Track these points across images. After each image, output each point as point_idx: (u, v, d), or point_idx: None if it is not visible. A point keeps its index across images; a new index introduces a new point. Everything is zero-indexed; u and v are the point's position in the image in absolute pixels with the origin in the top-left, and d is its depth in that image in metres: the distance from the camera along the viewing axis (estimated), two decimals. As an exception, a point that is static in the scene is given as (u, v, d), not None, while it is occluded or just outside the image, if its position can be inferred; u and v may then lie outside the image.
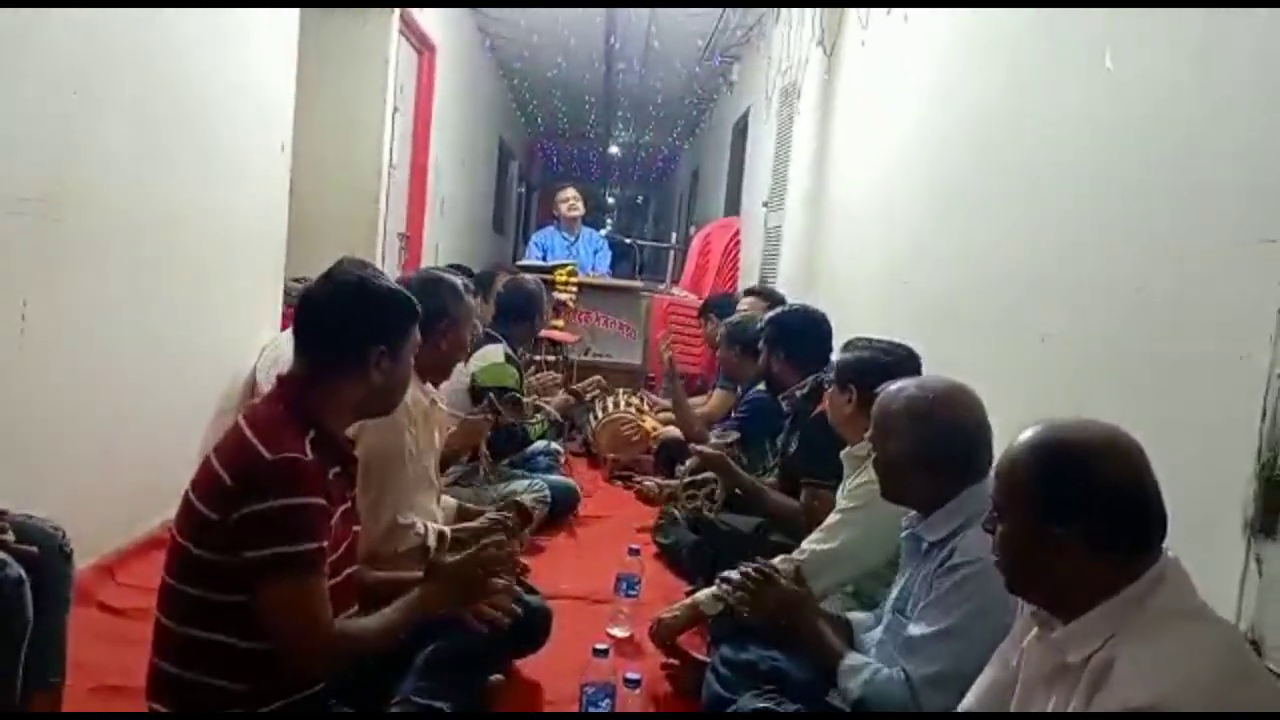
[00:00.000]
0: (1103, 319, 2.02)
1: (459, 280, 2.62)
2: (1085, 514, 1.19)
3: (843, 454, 2.35)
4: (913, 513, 1.80)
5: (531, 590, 2.32)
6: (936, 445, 1.73)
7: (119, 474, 2.77)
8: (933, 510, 1.75)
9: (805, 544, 2.27)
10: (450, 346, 2.51)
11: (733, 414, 4.02)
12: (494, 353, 3.63)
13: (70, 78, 2.39)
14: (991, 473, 1.37)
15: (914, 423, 1.76)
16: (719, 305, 4.96)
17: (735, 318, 4.21)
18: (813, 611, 1.93)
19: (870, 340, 2.46)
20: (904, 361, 2.31)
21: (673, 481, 3.73)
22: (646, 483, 3.86)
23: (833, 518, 2.29)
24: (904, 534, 1.83)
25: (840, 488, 2.36)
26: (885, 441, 1.81)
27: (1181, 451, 1.64)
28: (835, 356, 2.52)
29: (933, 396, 1.78)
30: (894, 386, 1.84)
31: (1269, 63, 1.56)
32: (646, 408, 4.78)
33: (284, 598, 1.49)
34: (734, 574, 2.02)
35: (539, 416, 3.96)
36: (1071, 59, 2.26)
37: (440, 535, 2.30)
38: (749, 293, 4.80)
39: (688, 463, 3.57)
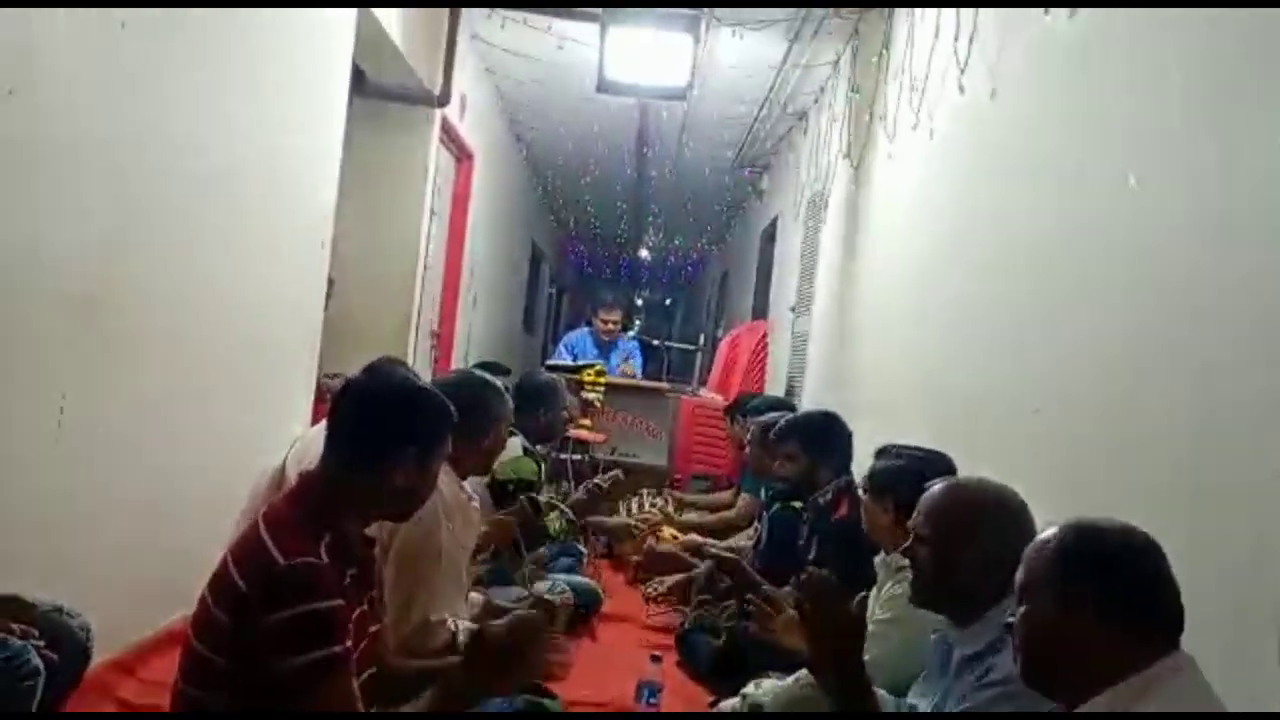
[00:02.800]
0: (1133, 428, 2.00)
1: (499, 381, 2.67)
2: (1104, 602, 1.24)
3: (878, 561, 2.33)
4: (943, 618, 1.76)
5: (550, 695, 2.28)
6: (983, 547, 1.69)
7: (146, 567, 2.77)
8: (969, 620, 1.70)
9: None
10: (491, 445, 2.55)
11: (755, 526, 3.99)
12: (512, 446, 3.63)
13: (121, 174, 2.47)
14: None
15: (961, 520, 1.73)
16: (745, 406, 4.96)
17: (768, 417, 4.20)
18: (863, 647, 1.83)
19: (905, 448, 2.45)
20: (939, 469, 2.29)
21: (678, 577, 3.69)
22: (654, 585, 3.78)
23: (869, 628, 2.24)
24: (934, 637, 1.78)
25: (872, 593, 2.32)
26: (931, 537, 1.76)
27: (1218, 567, 1.61)
28: (867, 463, 2.51)
29: (988, 499, 1.76)
30: (944, 482, 1.82)
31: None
32: (671, 509, 4.74)
33: (323, 703, 1.48)
34: (801, 575, 1.82)
35: (554, 514, 3.93)
36: (1095, 174, 2.30)
37: (471, 633, 2.27)
38: (763, 404, 4.78)
39: (703, 565, 3.53)
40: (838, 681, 1.68)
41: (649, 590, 3.70)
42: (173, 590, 2.81)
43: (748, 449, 4.27)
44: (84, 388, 2.42)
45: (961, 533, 1.72)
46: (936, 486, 1.82)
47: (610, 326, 6.74)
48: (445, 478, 2.12)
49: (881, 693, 1.97)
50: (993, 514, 1.73)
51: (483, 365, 4.74)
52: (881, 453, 2.47)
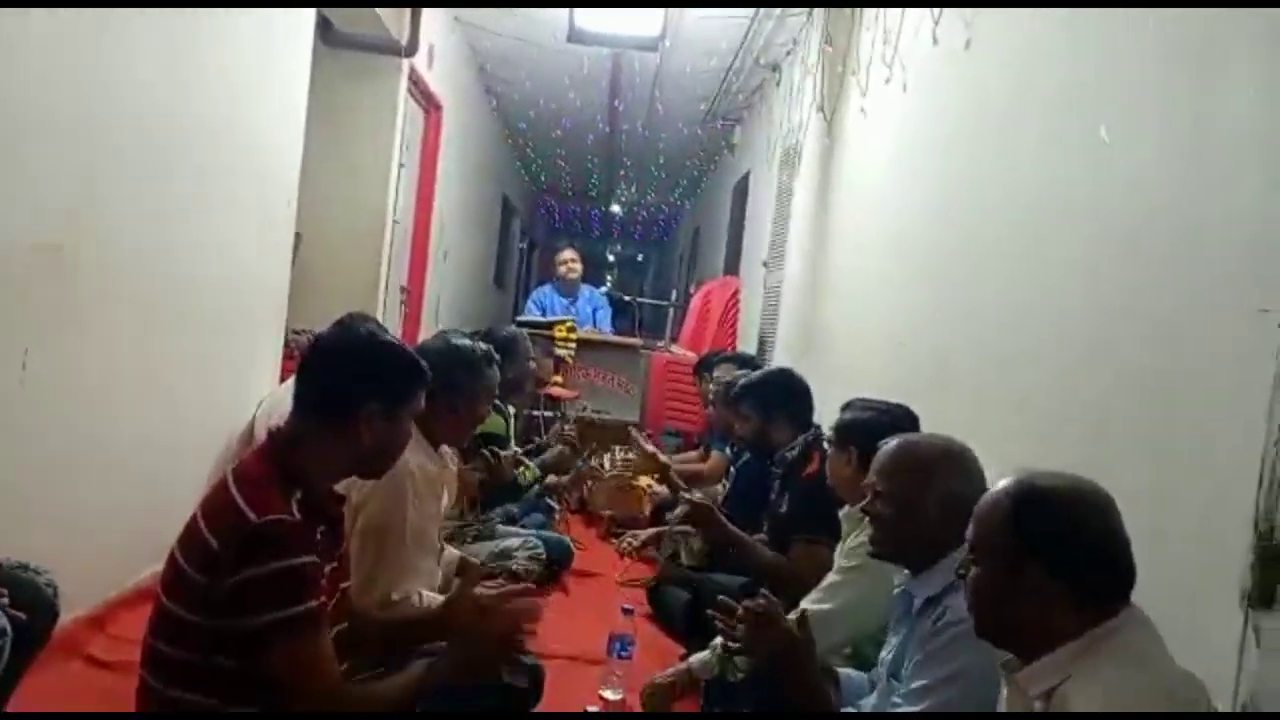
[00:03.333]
0: (1094, 387, 2.03)
1: (483, 348, 2.56)
2: (1055, 559, 1.26)
3: (842, 513, 2.35)
4: (905, 572, 1.80)
5: (526, 655, 2.30)
6: (936, 498, 1.73)
7: (114, 523, 2.75)
8: (925, 566, 1.75)
9: (804, 603, 2.25)
10: (466, 416, 2.49)
11: (723, 483, 4.02)
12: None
13: (89, 129, 2.42)
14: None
15: (915, 474, 1.78)
16: (715, 363, 4.97)
17: (727, 378, 4.22)
18: (811, 659, 1.90)
19: (869, 401, 2.48)
20: (902, 421, 2.32)
21: (651, 531, 3.74)
22: (629, 539, 3.81)
23: (831, 577, 2.28)
24: (896, 591, 1.82)
25: (838, 548, 2.36)
26: (886, 492, 1.82)
27: (1178, 521, 1.65)
28: (834, 417, 2.53)
29: (936, 451, 1.81)
30: (897, 439, 1.87)
31: (1259, 135, 1.59)
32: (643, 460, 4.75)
33: (296, 659, 1.48)
34: (744, 602, 1.89)
35: (523, 469, 3.94)
36: (1066, 130, 2.30)
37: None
38: (724, 359, 4.81)
39: (676, 511, 3.56)
40: (792, 694, 1.76)
41: (623, 545, 3.73)
42: (141, 547, 2.80)
43: (711, 408, 4.28)
44: (48, 342, 2.38)
45: (913, 485, 1.77)
46: (888, 443, 1.87)
47: (570, 266, 6.69)
48: (416, 445, 2.11)
49: (848, 672, 2.01)
50: (942, 465, 1.77)
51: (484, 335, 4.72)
52: (847, 406, 2.49)
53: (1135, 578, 1.27)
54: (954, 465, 1.77)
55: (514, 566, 3.04)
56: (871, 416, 2.37)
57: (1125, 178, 2.01)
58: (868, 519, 1.92)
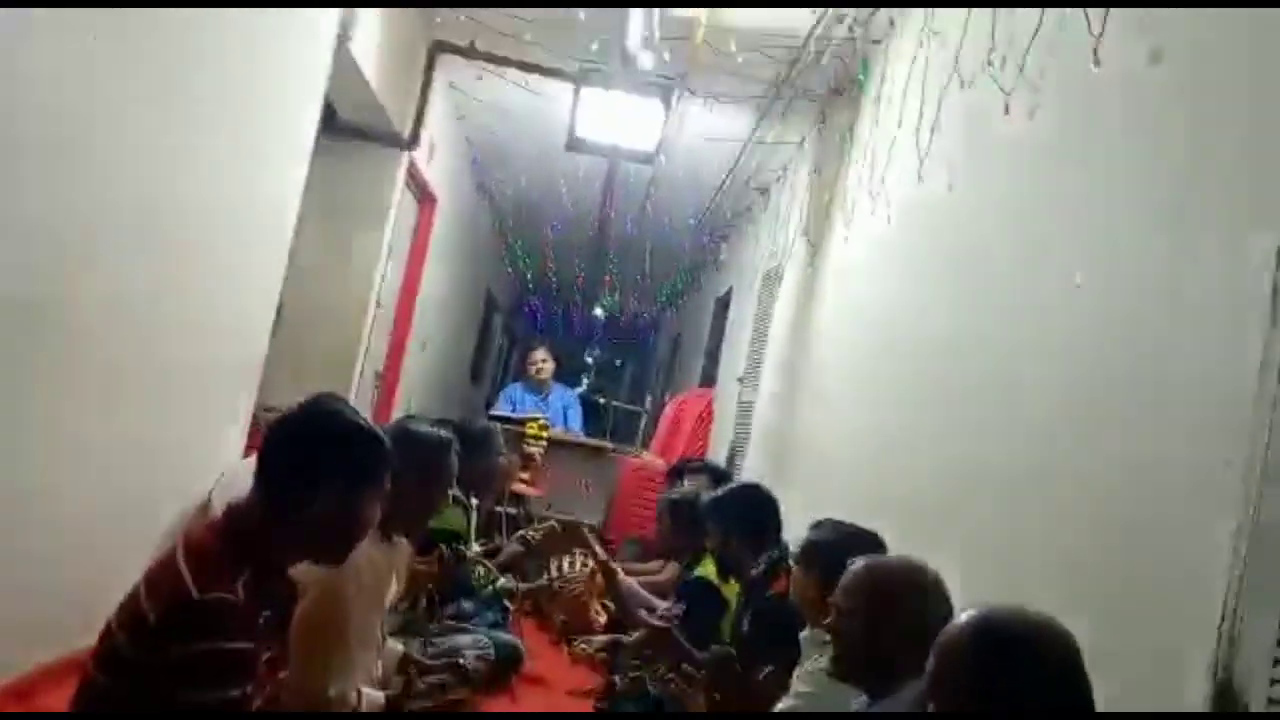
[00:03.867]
0: (1064, 524, 2.03)
1: (445, 435, 2.51)
2: (1015, 704, 1.24)
3: (803, 636, 2.32)
4: (862, 698, 1.77)
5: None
6: (901, 622, 1.72)
7: (48, 587, 2.64)
8: (886, 692, 1.72)
9: (756, 730, 2.20)
10: (420, 505, 2.43)
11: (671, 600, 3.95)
12: (440, 495, 3.57)
13: (71, 185, 2.42)
14: None
15: (880, 596, 1.77)
16: (687, 471, 4.95)
17: (675, 494, 4.17)
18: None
19: (837, 523, 2.47)
20: (869, 546, 2.31)
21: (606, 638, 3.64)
22: (582, 644, 3.71)
23: (788, 701, 2.23)
24: (854, 706, 1.79)
25: (796, 670, 2.31)
26: (850, 612, 1.80)
27: (1137, 659, 1.63)
28: (800, 535, 2.51)
29: (903, 574, 1.81)
30: (864, 559, 1.87)
31: (1228, 289, 1.64)
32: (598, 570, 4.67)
33: None
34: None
35: (480, 570, 3.85)
36: (1043, 274, 2.37)
37: (379, 704, 2.20)
38: (694, 471, 4.78)
39: (634, 635, 3.48)
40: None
41: (577, 649, 3.63)
42: (79, 617, 2.69)
43: (659, 520, 4.21)
44: (8, 396, 2.33)
45: (878, 608, 1.76)
46: (856, 564, 1.87)
47: (540, 365, 6.69)
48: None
49: None
50: (907, 590, 1.77)
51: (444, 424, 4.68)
52: (815, 526, 2.49)
53: (1093, 714, 1.26)
54: (920, 590, 1.77)
55: (461, 662, 2.94)
56: (838, 539, 2.36)
57: (1101, 320, 2.06)
58: (829, 643, 1.89)
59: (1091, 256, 2.14)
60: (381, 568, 2.31)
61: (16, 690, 2.51)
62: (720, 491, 3.46)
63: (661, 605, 3.72)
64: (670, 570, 4.49)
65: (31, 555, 2.56)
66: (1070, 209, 2.30)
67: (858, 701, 1.79)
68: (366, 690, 2.19)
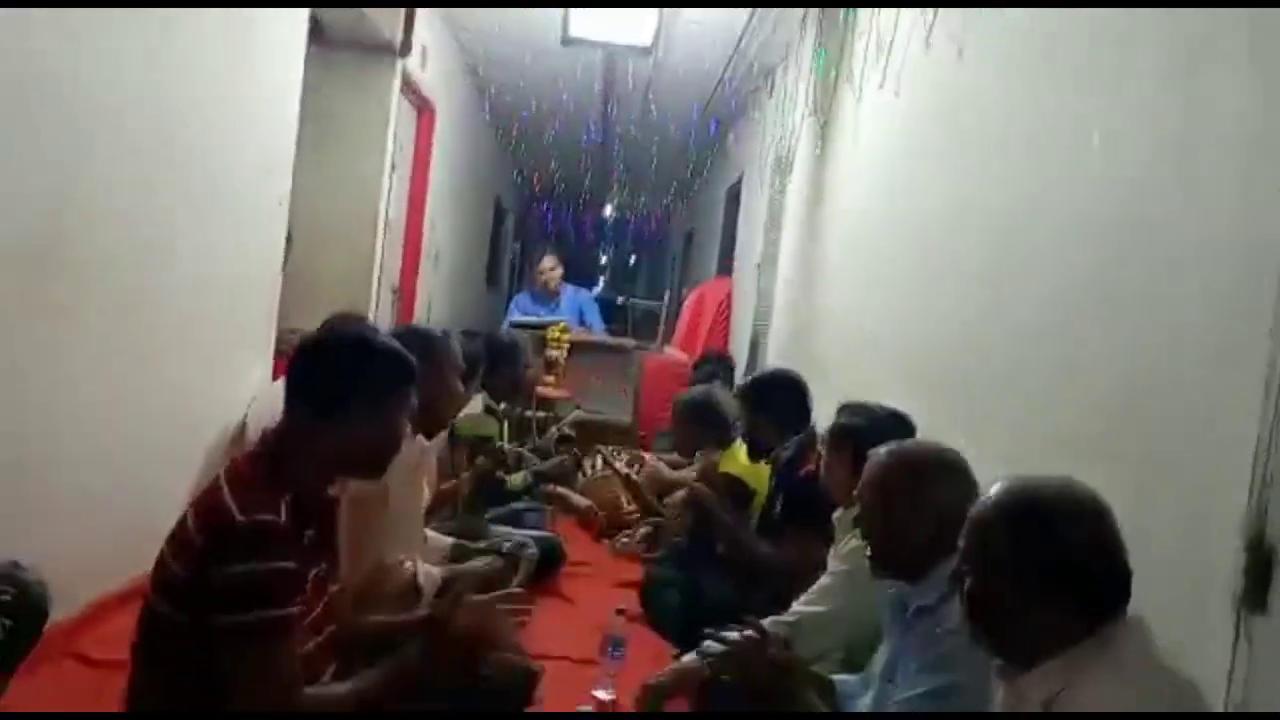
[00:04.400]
0: (1082, 392, 2.03)
1: (441, 330, 2.65)
2: (1049, 570, 1.25)
3: (835, 516, 2.36)
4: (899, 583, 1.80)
5: (517, 650, 2.29)
6: (928, 506, 1.72)
7: (102, 523, 2.74)
8: (920, 577, 1.74)
9: (796, 606, 2.26)
10: (438, 392, 2.49)
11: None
12: (474, 403, 3.63)
13: (71, 127, 2.41)
14: None
15: (904, 485, 1.76)
16: (711, 364, 4.99)
17: (689, 394, 4.18)
18: (802, 677, 1.90)
19: (865, 405, 2.48)
20: (897, 428, 2.32)
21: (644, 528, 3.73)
22: (623, 539, 3.79)
23: (824, 580, 2.28)
24: (889, 593, 1.82)
25: (831, 550, 2.36)
26: (874, 505, 1.80)
27: (1168, 524, 1.65)
28: (827, 418, 2.54)
29: (928, 458, 1.79)
30: (884, 449, 1.84)
31: (1247, 136, 1.60)
32: (631, 466, 4.76)
33: (253, 664, 1.47)
34: (727, 635, 1.93)
35: (521, 473, 3.93)
36: (1060, 136, 2.31)
37: (435, 580, 2.27)
38: (700, 364, 4.77)
39: (677, 495, 3.55)
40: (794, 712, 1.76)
41: (617, 545, 3.73)
42: (130, 547, 2.79)
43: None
44: (35, 339, 2.37)
45: (905, 495, 1.75)
46: (878, 454, 1.84)
47: (548, 275, 6.65)
48: None
49: (843, 677, 2.01)
50: (933, 474, 1.76)
51: (472, 335, 4.72)
52: (843, 409, 2.50)
53: (1131, 582, 1.27)
54: (945, 473, 1.76)
55: (505, 549, 3.03)
56: (866, 421, 2.38)
57: (1119, 176, 2.02)
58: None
59: (1110, 115, 2.08)
60: (411, 463, 2.38)
61: (82, 618, 2.62)
62: (758, 374, 3.50)
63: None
64: (695, 468, 4.55)
65: (85, 491, 2.64)
66: (1084, 68, 2.23)
67: (895, 587, 1.82)
68: (422, 564, 2.27)
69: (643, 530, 3.84)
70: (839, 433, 2.41)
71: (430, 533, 2.68)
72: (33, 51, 2.21)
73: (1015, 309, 2.44)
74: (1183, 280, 1.74)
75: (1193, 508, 1.63)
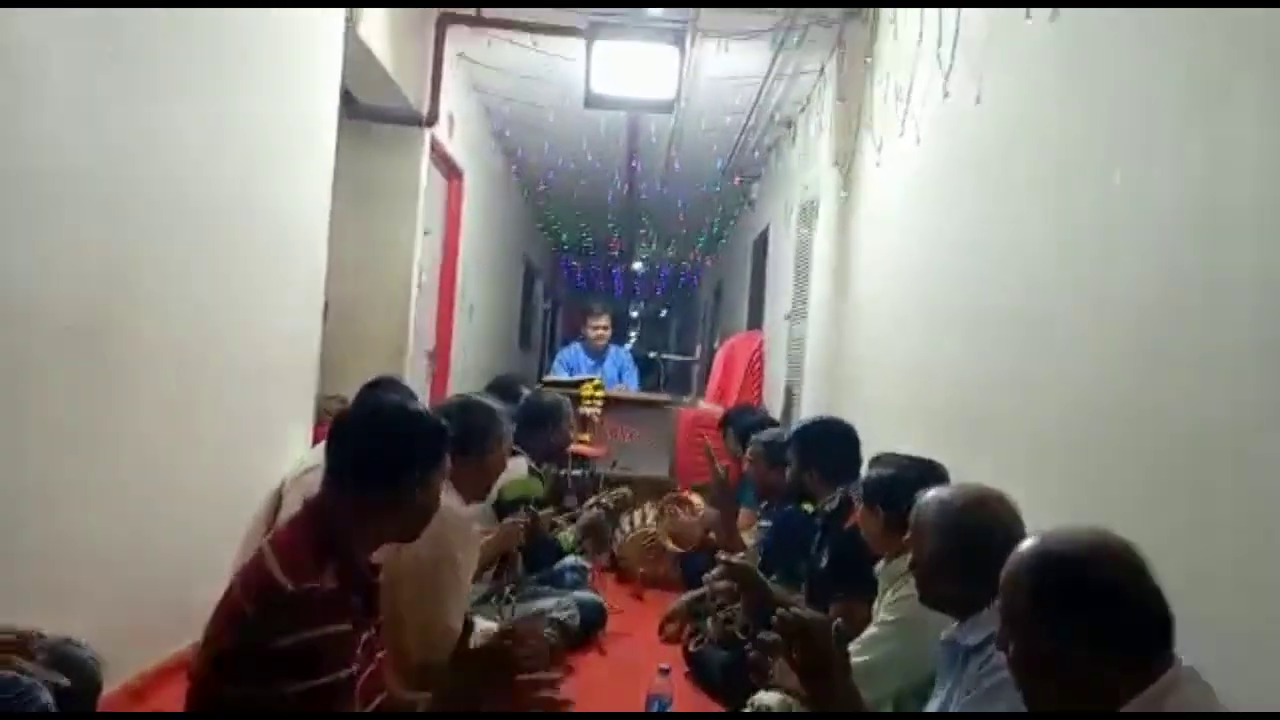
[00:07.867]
0: (1126, 427, 2.01)
1: (496, 404, 2.79)
2: (1084, 624, 1.22)
3: (877, 569, 2.35)
4: (952, 625, 1.79)
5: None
6: (970, 546, 1.73)
7: (148, 596, 2.76)
8: (969, 615, 1.74)
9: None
10: (491, 466, 2.63)
11: (757, 526, 3.99)
12: (518, 466, 3.64)
13: (116, 205, 2.49)
14: None
15: (947, 523, 1.79)
16: (738, 418, 4.97)
17: (766, 435, 4.17)
18: (845, 670, 1.80)
19: (896, 456, 2.48)
20: (928, 477, 2.31)
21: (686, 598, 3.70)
22: (666, 627, 3.76)
23: (873, 629, 2.26)
24: (943, 638, 1.81)
25: (876, 603, 2.34)
26: (921, 544, 1.84)
27: (1221, 567, 1.62)
28: (864, 471, 2.53)
29: (966, 499, 1.82)
30: (930, 492, 1.89)
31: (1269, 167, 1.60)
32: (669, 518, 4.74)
33: None
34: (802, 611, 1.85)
35: (568, 530, 3.94)
36: (1081, 178, 2.31)
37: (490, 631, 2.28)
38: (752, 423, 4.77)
39: (714, 571, 3.52)
40: (834, 705, 1.72)
41: (667, 631, 3.70)
42: (177, 618, 2.82)
43: (747, 466, 4.22)
44: (83, 416, 2.42)
45: (949, 540, 1.78)
46: (923, 497, 1.88)
47: (599, 332, 6.80)
48: (447, 499, 2.12)
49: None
50: (974, 516, 1.78)
51: (498, 384, 4.76)
52: (874, 461, 2.51)
53: (1173, 623, 1.23)
54: (987, 516, 1.77)
55: (555, 615, 3.07)
56: (897, 472, 2.38)
57: (1143, 219, 2.01)
58: (905, 574, 1.91)
59: (1131, 155, 2.09)
60: (476, 535, 2.48)
61: (130, 693, 2.63)
62: (804, 423, 3.49)
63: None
64: (742, 516, 4.52)
65: (127, 561, 2.67)
66: (1105, 108, 2.24)
67: (946, 629, 1.81)
68: (483, 622, 2.29)
69: (684, 598, 3.80)
70: (870, 487, 2.42)
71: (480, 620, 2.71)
72: (73, 134, 2.29)
73: (1048, 350, 2.42)
74: (1224, 323, 1.73)
75: (1247, 545, 1.60)
